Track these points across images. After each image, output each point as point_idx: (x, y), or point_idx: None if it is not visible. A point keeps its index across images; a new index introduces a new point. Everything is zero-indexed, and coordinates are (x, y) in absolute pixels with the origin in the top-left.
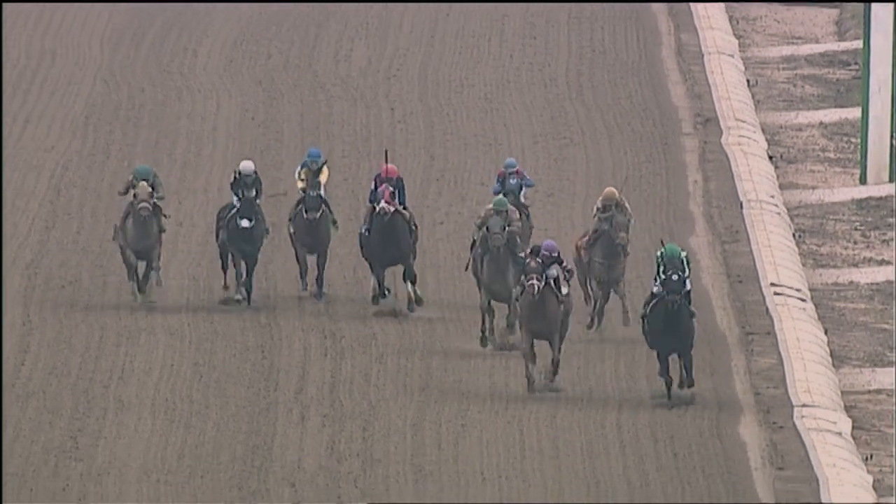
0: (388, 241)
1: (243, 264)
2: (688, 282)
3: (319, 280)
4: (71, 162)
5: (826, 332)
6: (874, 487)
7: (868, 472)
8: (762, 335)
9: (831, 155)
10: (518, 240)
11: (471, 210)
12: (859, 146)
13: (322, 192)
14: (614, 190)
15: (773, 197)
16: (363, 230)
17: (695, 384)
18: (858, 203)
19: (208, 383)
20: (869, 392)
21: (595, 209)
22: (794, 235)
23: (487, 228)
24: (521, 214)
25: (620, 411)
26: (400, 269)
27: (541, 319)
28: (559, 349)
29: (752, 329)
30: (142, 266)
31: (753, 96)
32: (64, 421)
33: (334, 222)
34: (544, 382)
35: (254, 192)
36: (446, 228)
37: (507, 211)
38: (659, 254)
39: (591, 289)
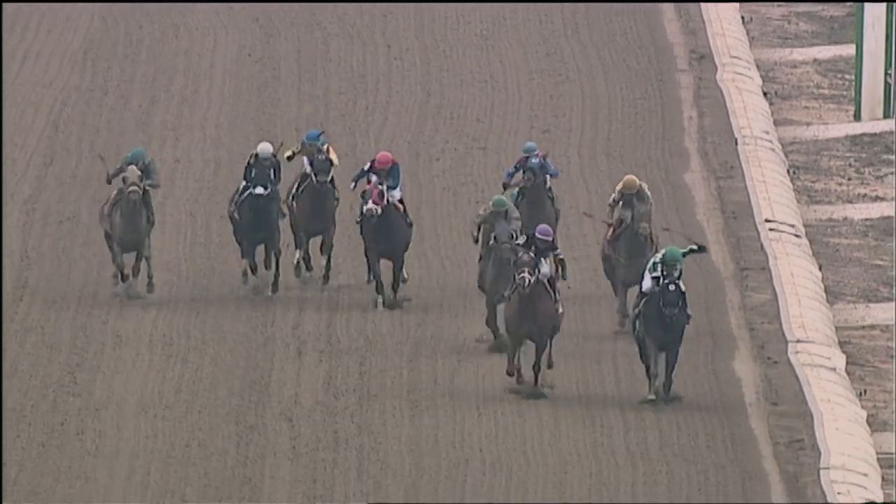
0: (381, 236)
1: (262, 250)
2: (686, 289)
3: (327, 267)
4: (69, 98)
5: (820, 268)
6: (868, 423)
7: (862, 407)
8: (757, 271)
9: (826, 91)
10: (520, 233)
11: (467, 146)
12: (853, 82)
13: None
14: (634, 178)
15: (767, 133)
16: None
17: (673, 384)
18: (853, 139)
19: (206, 318)
20: (863, 327)
21: (612, 199)
22: (788, 171)
23: (495, 238)
24: (548, 200)
25: (616, 347)
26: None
27: (531, 318)
28: (547, 353)
29: (747, 265)
30: (129, 257)
31: (748, 33)
32: (62, 356)
33: (337, 199)
34: (531, 388)
35: (271, 175)
36: (442, 165)
37: (507, 210)
38: (659, 257)
39: (617, 287)
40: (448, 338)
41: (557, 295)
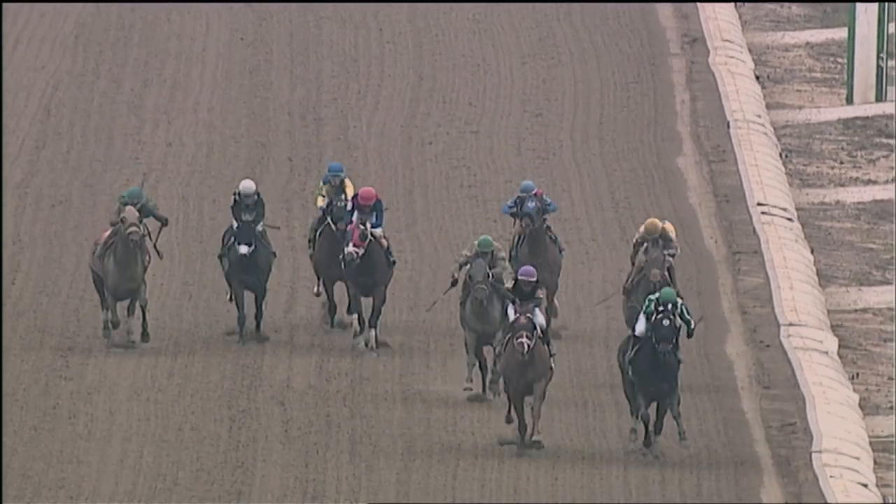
0: (362, 272)
1: (248, 297)
2: (681, 324)
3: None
4: (61, 82)
5: (812, 252)
6: (860, 406)
7: (854, 390)
8: (749, 254)
9: (818, 75)
10: (504, 278)
11: (459, 130)
12: (846, 66)
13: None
14: (656, 221)
15: (759, 116)
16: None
17: (686, 436)
18: (845, 123)
19: (197, 303)
20: (855, 311)
21: (636, 239)
22: (780, 155)
23: (470, 277)
24: (550, 242)
25: (609, 329)
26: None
27: (528, 371)
28: (540, 406)
29: (739, 248)
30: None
31: (740, 16)
32: (54, 340)
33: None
34: (527, 442)
35: (253, 216)
36: (434, 148)
37: (492, 252)
38: (654, 298)
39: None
40: (440, 321)
41: (552, 349)
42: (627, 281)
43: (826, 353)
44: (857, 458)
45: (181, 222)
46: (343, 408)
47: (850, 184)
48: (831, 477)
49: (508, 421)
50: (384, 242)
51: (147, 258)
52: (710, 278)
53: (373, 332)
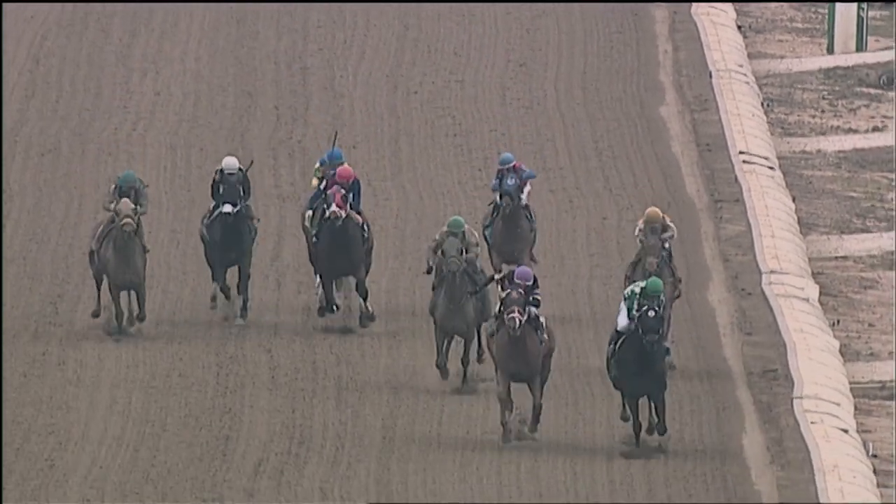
0: (338, 251)
1: (234, 274)
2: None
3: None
4: (50, 31)
5: (794, 200)
6: (841, 352)
7: (835, 337)
8: (731, 202)
9: (799, 25)
10: (478, 266)
11: (444, 79)
12: (827, 16)
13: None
14: (657, 210)
15: (741, 66)
16: (312, 236)
17: (668, 431)
18: (826, 72)
19: (185, 250)
20: (836, 259)
21: (637, 230)
22: (762, 104)
23: (443, 252)
24: (524, 218)
25: (592, 278)
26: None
27: (520, 359)
28: (540, 394)
29: (721, 196)
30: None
31: None
32: (44, 287)
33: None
34: (522, 431)
35: (240, 191)
36: (420, 97)
37: (463, 232)
38: (638, 289)
39: None
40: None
41: (542, 335)
42: (628, 270)
43: (807, 300)
44: (838, 404)
45: (169, 171)
46: (330, 355)
47: (831, 132)
48: (812, 423)
49: (504, 427)
50: (359, 219)
51: (146, 247)
52: (692, 226)
53: (361, 301)
